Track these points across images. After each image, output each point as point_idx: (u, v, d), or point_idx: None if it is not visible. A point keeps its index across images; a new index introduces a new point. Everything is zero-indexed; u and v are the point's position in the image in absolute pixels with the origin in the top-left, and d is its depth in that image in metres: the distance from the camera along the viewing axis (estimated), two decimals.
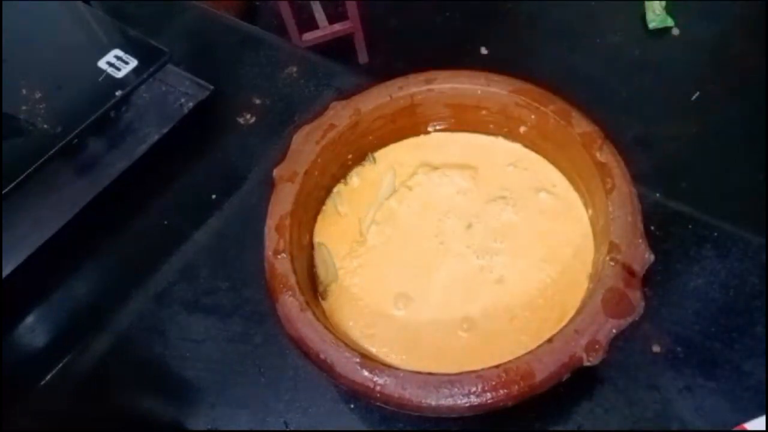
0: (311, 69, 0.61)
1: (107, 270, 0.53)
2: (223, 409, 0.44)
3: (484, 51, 1.54)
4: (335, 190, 0.47)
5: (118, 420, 0.46)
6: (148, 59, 0.53)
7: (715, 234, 0.47)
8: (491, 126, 0.47)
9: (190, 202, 0.55)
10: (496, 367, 0.34)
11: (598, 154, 0.41)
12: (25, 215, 0.51)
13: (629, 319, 0.35)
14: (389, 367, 0.35)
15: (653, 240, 0.44)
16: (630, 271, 0.36)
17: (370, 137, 0.47)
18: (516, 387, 0.33)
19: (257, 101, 0.60)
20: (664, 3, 1.50)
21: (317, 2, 1.55)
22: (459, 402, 0.33)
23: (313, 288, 0.43)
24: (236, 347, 0.46)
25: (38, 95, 0.52)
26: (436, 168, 0.47)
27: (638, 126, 1.26)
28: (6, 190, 0.46)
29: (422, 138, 0.49)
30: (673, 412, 0.40)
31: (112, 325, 0.49)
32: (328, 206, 0.47)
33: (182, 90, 0.58)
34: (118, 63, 0.53)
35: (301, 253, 0.42)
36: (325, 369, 0.35)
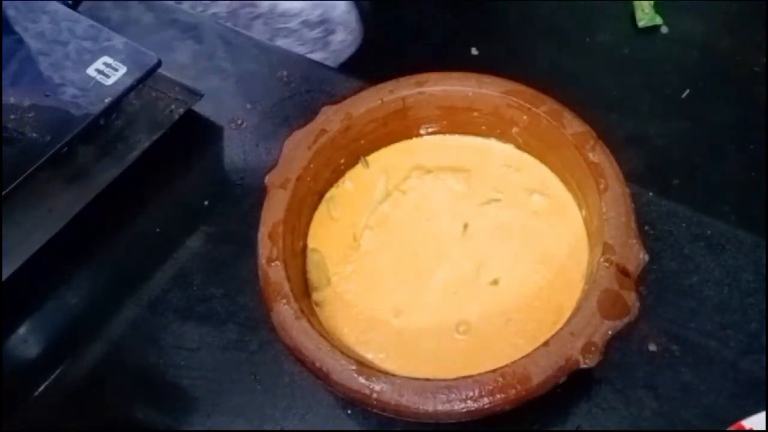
0: (302, 72, 0.61)
1: (99, 279, 0.52)
2: (219, 417, 0.44)
3: (474, 52, 1.54)
4: (328, 195, 0.47)
5: (113, 430, 0.46)
6: (138, 66, 0.53)
7: (709, 232, 0.47)
8: (483, 128, 0.47)
9: (182, 208, 0.55)
10: (493, 371, 0.33)
11: (590, 155, 0.41)
12: (14, 225, 0.50)
13: (625, 320, 0.35)
14: (385, 373, 0.35)
15: (647, 239, 0.44)
16: (624, 272, 0.36)
17: (362, 141, 0.47)
18: (513, 391, 0.33)
19: (248, 106, 0.59)
20: (652, 2, 1.51)
21: None
22: (456, 408, 0.33)
23: (308, 295, 0.42)
24: (231, 355, 0.46)
25: (27, 103, 0.51)
26: (429, 171, 0.47)
27: (629, 125, 1.26)
28: None
29: (414, 141, 0.49)
30: (670, 410, 0.40)
31: (106, 334, 0.49)
32: (322, 211, 0.46)
33: (172, 96, 0.58)
34: (107, 70, 0.53)
35: (295, 260, 0.42)
36: (321, 377, 0.35)
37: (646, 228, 0.46)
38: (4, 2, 0.56)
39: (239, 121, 0.58)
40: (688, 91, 1.34)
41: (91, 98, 0.51)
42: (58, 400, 0.47)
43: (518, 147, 0.47)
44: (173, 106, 0.57)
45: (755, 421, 0.36)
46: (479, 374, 0.34)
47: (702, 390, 0.41)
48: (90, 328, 0.49)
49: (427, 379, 0.34)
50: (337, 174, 0.47)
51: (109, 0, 0.69)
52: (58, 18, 0.59)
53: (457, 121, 0.48)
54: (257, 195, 0.43)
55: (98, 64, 0.53)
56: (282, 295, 0.38)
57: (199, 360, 0.46)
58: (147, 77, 0.53)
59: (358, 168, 0.48)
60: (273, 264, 0.39)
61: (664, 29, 1.50)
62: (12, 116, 0.51)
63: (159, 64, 0.54)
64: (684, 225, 0.47)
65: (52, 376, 0.47)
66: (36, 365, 0.49)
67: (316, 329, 0.37)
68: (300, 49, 0.78)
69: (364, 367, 0.35)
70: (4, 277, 0.48)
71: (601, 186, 0.39)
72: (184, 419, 0.44)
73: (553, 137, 0.43)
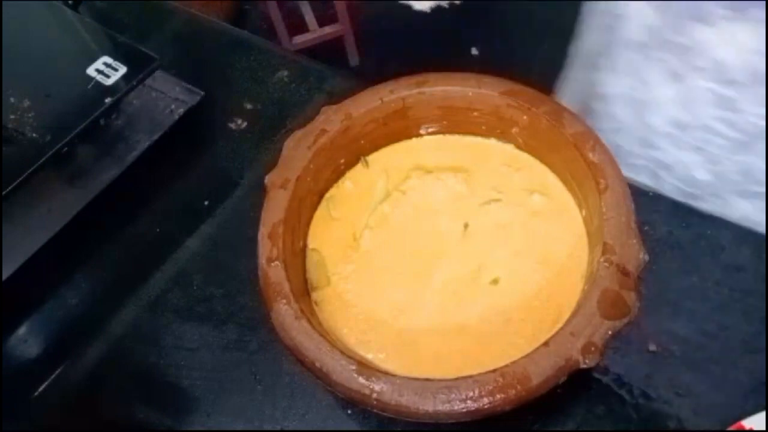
0: (302, 73, 0.61)
1: (100, 279, 0.52)
2: (218, 417, 0.44)
3: (474, 52, 1.54)
4: (328, 195, 0.47)
5: (113, 430, 0.46)
6: (138, 66, 0.53)
7: (709, 232, 0.47)
8: (483, 128, 0.47)
9: (182, 208, 0.55)
10: (493, 371, 0.33)
11: (590, 155, 0.41)
12: (15, 225, 0.50)
13: (625, 320, 0.35)
14: (385, 373, 0.35)
15: (647, 239, 0.44)
16: (624, 272, 0.36)
17: (362, 141, 0.47)
18: (513, 391, 0.33)
19: (248, 106, 0.59)
20: None
21: (306, 4, 1.55)
22: (456, 408, 0.33)
23: (308, 294, 0.42)
24: (231, 355, 0.46)
25: (27, 104, 0.51)
26: (429, 171, 0.47)
27: None
28: None
29: (414, 141, 0.49)
30: (670, 410, 0.40)
31: (106, 334, 0.49)
32: (322, 211, 0.46)
33: (172, 96, 0.58)
34: (107, 70, 0.53)
35: (295, 260, 0.42)
36: (321, 377, 0.35)
37: (646, 228, 0.46)
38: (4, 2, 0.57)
39: (239, 121, 0.59)
40: None
41: (91, 98, 0.51)
42: (58, 400, 0.47)
43: (518, 147, 0.47)
44: (173, 106, 0.57)
45: (755, 421, 0.36)
46: (479, 374, 0.34)
47: (702, 390, 0.41)
48: (90, 328, 0.49)
49: (427, 379, 0.34)
50: (337, 174, 0.47)
51: (109, 0, 0.69)
52: (58, 18, 0.59)
53: (457, 121, 0.48)
54: (257, 195, 0.43)
55: (98, 64, 0.53)
56: (282, 295, 0.38)
57: (199, 360, 0.46)
58: (147, 77, 0.53)
59: (358, 168, 0.48)
60: (273, 264, 0.39)
61: None
62: (12, 116, 0.51)
63: (159, 64, 0.54)
64: (684, 225, 0.47)
65: (52, 376, 0.47)
66: (36, 365, 0.49)
67: (316, 329, 0.37)
68: None
69: (364, 367, 0.35)
70: (4, 277, 0.48)
71: (601, 186, 0.39)
72: (184, 419, 0.44)
73: (553, 137, 0.43)
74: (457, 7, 1.56)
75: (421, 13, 1.62)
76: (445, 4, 1.50)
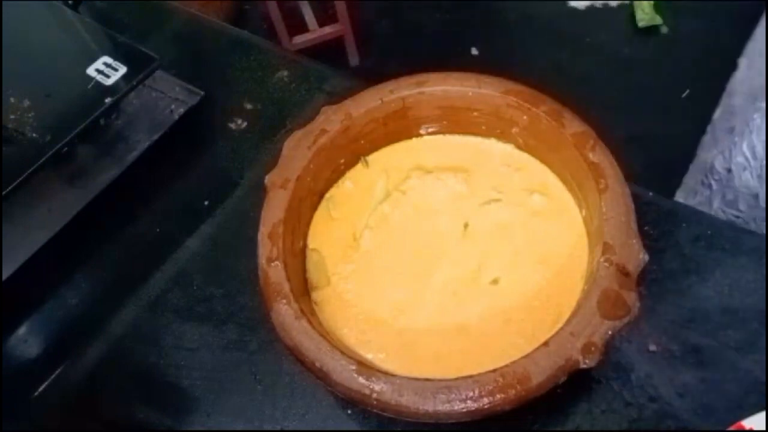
0: (302, 73, 0.61)
1: (100, 279, 0.52)
2: (218, 417, 0.44)
3: (474, 52, 1.55)
4: (328, 195, 0.47)
5: (113, 430, 0.46)
6: (138, 66, 0.53)
7: (709, 232, 0.47)
8: (484, 128, 0.47)
9: (182, 208, 0.55)
10: (493, 371, 0.33)
11: (590, 155, 0.41)
12: (15, 225, 0.50)
13: (625, 320, 0.35)
14: (385, 373, 0.35)
15: (647, 239, 0.44)
16: (624, 272, 0.36)
17: (362, 141, 0.47)
18: (513, 391, 0.33)
19: (248, 106, 0.59)
20: (652, 2, 1.51)
21: (306, 4, 1.55)
22: (456, 407, 0.33)
23: (308, 294, 0.42)
24: (231, 355, 0.46)
25: (27, 104, 0.51)
26: (429, 171, 0.47)
27: (630, 125, 1.26)
28: None
29: (414, 141, 0.49)
30: (670, 411, 0.40)
31: (106, 334, 0.49)
32: (322, 211, 0.46)
33: (172, 96, 0.58)
34: (107, 70, 0.53)
35: (295, 260, 0.42)
36: (321, 377, 0.35)
37: (646, 228, 0.46)
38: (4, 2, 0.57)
39: (239, 121, 0.58)
40: (688, 90, 1.34)
41: (91, 98, 0.51)
42: (58, 400, 0.47)
43: (518, 147, 0.47)
44: (173, 106, 0.57)
45: (755, 421, 0.36)
46: (479, 374, 0.34)
47: (702, 390, 0.41)
48: (90, 328, 0.49)
49: (427, 379, 0.34)
50: (337, 174, 0.47)
51: (109, 0, 0.69)
52: (58, 18, 0.59)
53: (457, 121, 0.48)
54: (257, 194, 0.43)
55: (98, 64, 0.53)
56: (282, 295, 0.38)
57: (199, 360, 0.46)
58: (147, 77, 0.53)
59: (358, 168, 0.48)
60: (273, 264, 0.39)
61: (664, 29, 1.50)
62: (12, 116, 0.51)
63: (159, 64, 0.54)
64: (684, 225, 0.47)
65: (52, 376, 0.47)
66: (36, 365, 0.49)
67: (316, 329, 0.37)
68: None
69: (364, 367, 0.35)
70: (4, 277, 0.48)
71: (601, 186, 0.39)
72: (184, 419, 0.44)
73: (553, 137, 0.43)
74: (611, 8, 1.56)
75: (420, 13, 1.62)
76: (599, 4, 1.52)
